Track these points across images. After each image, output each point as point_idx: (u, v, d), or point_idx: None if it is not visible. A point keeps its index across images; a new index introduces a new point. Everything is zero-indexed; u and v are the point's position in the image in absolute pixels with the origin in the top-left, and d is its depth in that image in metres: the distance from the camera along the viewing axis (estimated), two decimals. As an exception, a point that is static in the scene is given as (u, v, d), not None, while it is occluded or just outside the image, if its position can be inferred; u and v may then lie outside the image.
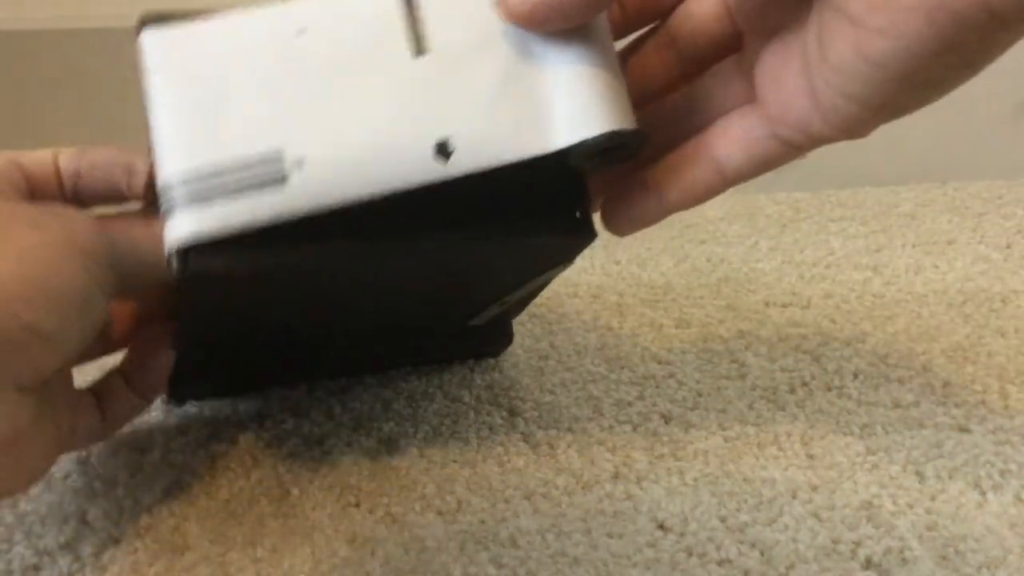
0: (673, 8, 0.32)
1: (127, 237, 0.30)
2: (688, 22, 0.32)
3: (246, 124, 0.27)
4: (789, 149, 0.30)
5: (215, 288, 0.29)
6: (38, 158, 0.32)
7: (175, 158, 0.27)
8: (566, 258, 0.33)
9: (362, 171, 0.27)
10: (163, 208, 0.27)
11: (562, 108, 0.28)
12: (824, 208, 0.60)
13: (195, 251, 0.27)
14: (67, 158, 0.32)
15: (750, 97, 0.31)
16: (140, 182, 0.32)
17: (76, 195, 0.32)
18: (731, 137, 0.30)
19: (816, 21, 0.28)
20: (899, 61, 0.25)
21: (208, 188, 0.27)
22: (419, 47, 0.28)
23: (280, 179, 0.27)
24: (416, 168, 0.27)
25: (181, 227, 0.27)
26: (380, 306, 0.36)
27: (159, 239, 0.29)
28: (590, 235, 0.31)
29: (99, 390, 0.34)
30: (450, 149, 0.28)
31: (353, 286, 0.33)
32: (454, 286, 0.35)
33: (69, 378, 0.33)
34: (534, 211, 0.30)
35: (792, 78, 0.29)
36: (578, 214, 0.31)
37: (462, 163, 0.27)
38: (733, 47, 0.31)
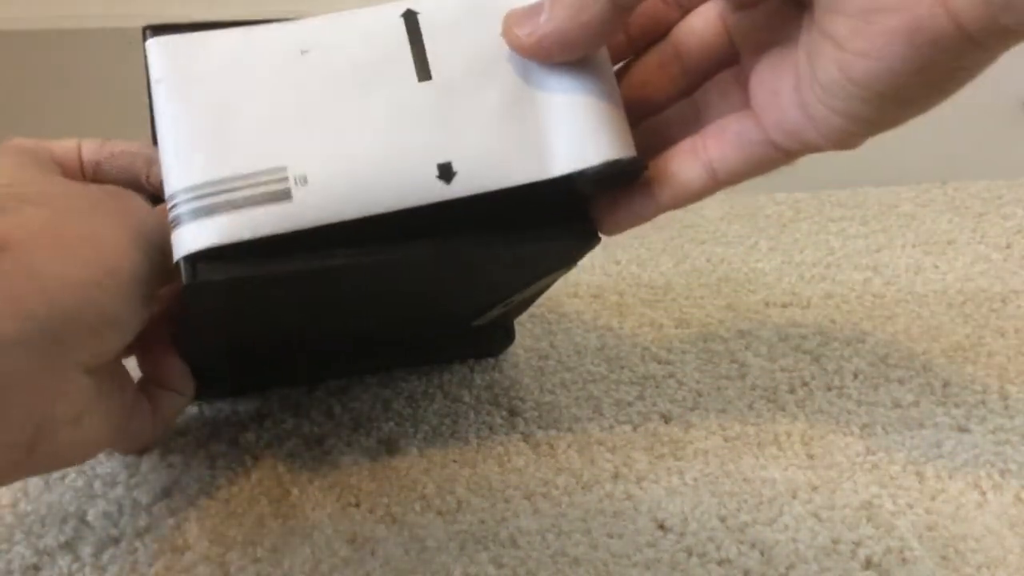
0: (673, 26, 0.33)
1: (166, 229, 0.30)
2: (690, 37, 0.32)
3: (250, 139, 0.28)
4: (782, 154, 0.30)
5: (221, 296, 0.29)
6: (64, 146, 0.33)
7: (181, 170, 0.27)
8: (571, 261, 0.34)
9: (365, 190, 0.28)
10: (171, 218, 0.27)
11: (563, 135, 0.29)
12: (824, 208, 0.60)
13: (204, 260, 0.27)
14: (90, 148, 0.33)
15: (744, 104, 0.31)
16: (160, 172, 0.31)
17: (96, 183, 0.32)
18: (725, 139, 0.31)
19: (806, 42, 0.29)
20: (882, 81, 0.26)
21: (213, 201, 0.27)
22: (423, 73, 0.28)
23: (284, 195, 0.27)
24: (419, 189, 0.28)
25: (189, 237, 0.27)
26: (384, 311, 0.36)
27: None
28: (594, 239, 0.31)
29: (144, 387, 0.34)
30: (453, 172, 0.28)
31: (358, 293, 0.33)
32: (458, 291, 0.35)
33: (121, 362, 0.33)
34: (539, 218, 0.30)
35: (787, 92, 0.29)
36: (582, 220, 0.31)
37: (464, 186, 0.28)
38: (732, 60, 0.32)
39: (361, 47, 0.28)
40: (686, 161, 0.31)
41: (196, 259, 0.27)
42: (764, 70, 0.31)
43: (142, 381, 0.35)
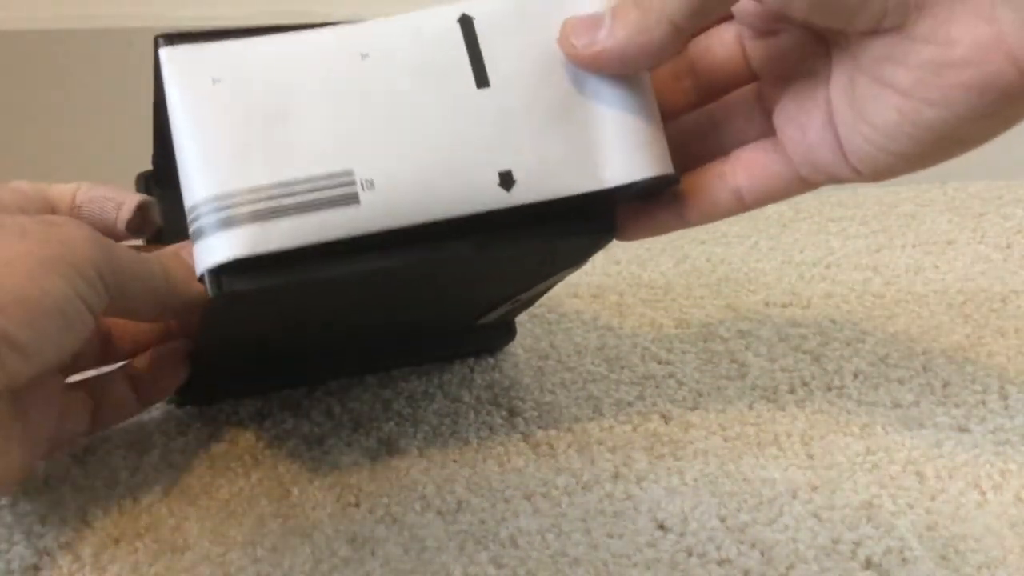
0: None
1: (133, 258, 0.31)
2: (707, 54, 0.33)
3: (312, 145, 0.27)
4: (808, 185, 0.32)
5: (243, 307, 0.29)
6: (60, 189, 0.34)
7: (217, 177, 0.27)
8: (586, 256, 0.34)
9: (429, 195, 0.28)
10: (196, 227, 0.27)
11: (615, 147, 0.30)
12: (824, 208, 0.60)
13: (227, 272, 0.27)
14: (81, 192, 0.34)
15: (767, 129, 0.32)
16: (126, 216, 0.34)
17: None
18: (753, 172, 0.32)
19: (844, 84, 0.30)
20: (948, 126, 0.28)
21: (272, 206, 0.27)
22: (482, 80, 0.29)
23: (352, 199, 0.27)
24: (481, 196, 0.28)
25: (224, 247, 0.27)
26: (396, 311, 0.36)
27: (178, 265, 0.30)
28: (610, 236, 0.32)
29: (96, 388, 0.35)
30: (513, 180, 0.29)
31: (377, 295, 0.33)
32: (472, 288, 0.35)
33: (55, 384, 0.33)
34: (561, 215, 0.30)
35: (816, 131, 0.31)
36: (601, 215, 0.31)
37: (523, 194, 0.29)
38: (749, 79, 0.33)
39: (419, 52, 0.29)
40: (715, 184, 0.32)
41: (222, 271, 0.27)
42: (789, 104, 0.31)
43: (102, 378, 0.35)
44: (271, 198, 0.27)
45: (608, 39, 0.29)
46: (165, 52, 0.28)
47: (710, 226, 0.57)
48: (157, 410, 0.38)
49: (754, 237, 0.56)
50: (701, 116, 0.33)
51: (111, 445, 0.36)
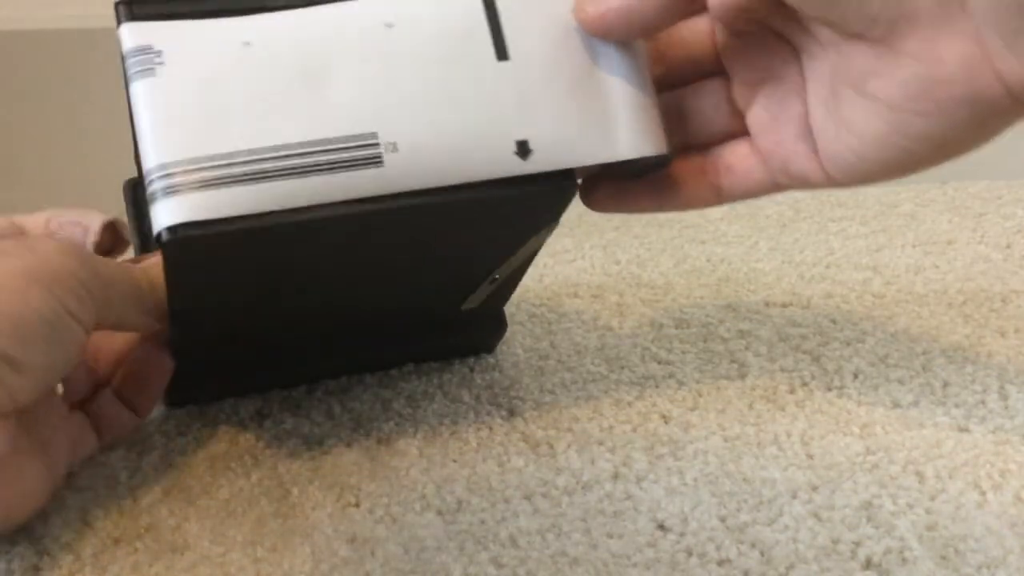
0: None
1: (114, 267, 0.31)
2: (678, 43, 0.34)
3: (338, 107, 0.29)
4: (782, 188, 0.34)
5: (202, 257, 0.30)
6: (33, 220, 0.35)
7: (219, 136, 0.28)
8: (551, 217, 0.34)
9: (448, 160, 0.29)
10: (211, 180, 0.28)
11: (625, 123, 0.31)
12: (824, 208, 0.60)
13: (186, 225, 0.27)
14: (52, 220, 0.35)
15: (735, 122, 0.34)
16: (93, 239, 0.35)
17: None
18: (733, 174, 0.34)
19: (824, 96, 0.31)
20: (938, 135, 0.29)
21: (296, 163, 0.28)
22: (501, 53, 0.30)
23: (376, 160, 0.28)
24: (499, 162, 0.30)
25: (239, 200, 0.27)
26: (371, 289, 0.36)
27: (144, 273, 0.31)
28: (572, 188, 0.32)
29: (91, 409, 0.35)
30: (529, 149, 0.30)
31: (341, 259, 0.33)
32: (440, 254, 0.36)
33: (64, 409, 0.33)
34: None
35: (791, 141, 0.32)
36: (562, 173, 0.32)
37: (539, 162, 0.30)
38: (718, 72, 0.34)
39: (441, 24, 0.30)
40: (696, 179, 0.34)
41: (181, 226, 0.27)
42: (762, 114, 0.33)
43: (93, 398, 0.35)
44: (288, 156, 0.28)
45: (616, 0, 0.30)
46: (158, 27, 0.29)
47: (710, 226, 0.57)
48: (157, 410, 0.38)
49: (754, 237, 0.56)
50: (666, 98, 0.34)
51: (111, 445, 0.36)
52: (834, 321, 0.46)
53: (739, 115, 0.34)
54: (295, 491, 0.34)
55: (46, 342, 0.28)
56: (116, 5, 0.29)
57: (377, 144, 0.29)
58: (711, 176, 0.34)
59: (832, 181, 0.32)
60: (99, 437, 0.35)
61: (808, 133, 0.32)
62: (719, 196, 0.34)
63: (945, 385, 0.41)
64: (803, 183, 0.33)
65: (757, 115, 0.33)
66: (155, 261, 0.32)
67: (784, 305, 0.48)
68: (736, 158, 0.34)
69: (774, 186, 0.33)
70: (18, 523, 0.31)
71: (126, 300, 0.31)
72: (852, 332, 0.45)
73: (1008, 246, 0.55)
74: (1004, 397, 0.40)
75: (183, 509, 0.34)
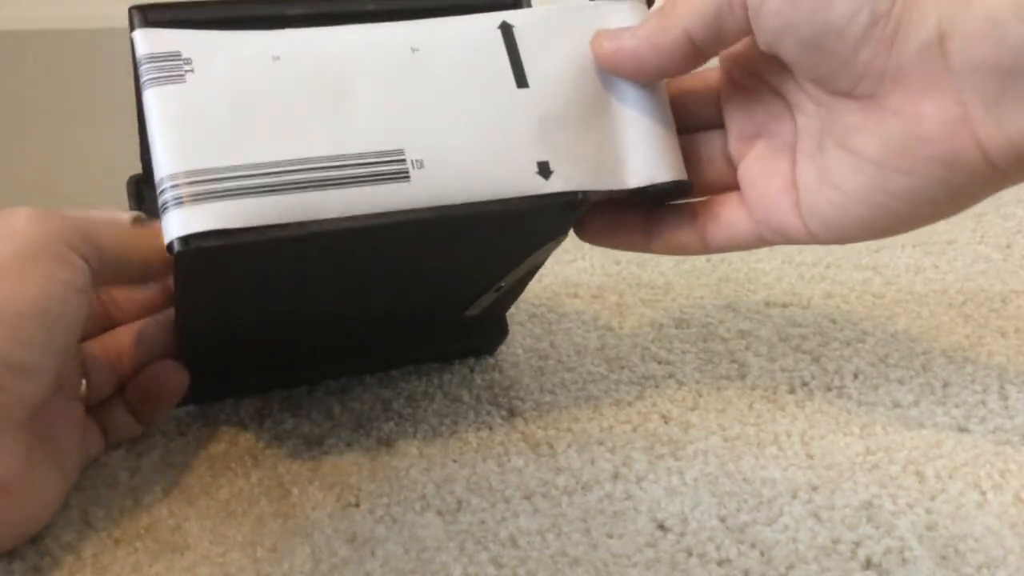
0: None
1: (98, 217, 0.30)
2: (685, 96, 0.35)
3: (365, 123, 0.29)
4: (767, 243, 0.34)
5: (212, 272, 0.30)
6: None
7: (233, 148, 0.28)
8: (561, 231, 0.35)
9: (472, 179, 0.30)
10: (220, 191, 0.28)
11: (640, 151, 0.33)
12: (824, 208, 0.60)
13: (200, 236, 0.27)
14: None
15: (727, 174, 0.35)
16: None
17: None
18: (718, 224, 0.35)
19: (811, 150, 0.32)
20: (917, 194, 0.29)
21: (318, 176, 0.28)
22: (521, 81, 0.31)
23: (402, 175, 0.29)
24: (521, 181, 0.31)
25: (255, 210, 0.27)
26: (380, 298, 0.36)
27: (146, 231, 0.30)
28: (587, 204, 0.33)
29: (100, 414, 0.35)
30: (550, 170, 0.31)
31: (355, 270, 0.33)
32: (450, 266, 0.36)
33: (78, 412, 0.33)
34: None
35: (775, 194, 0.33)
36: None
37: (557, 184, 0.31)
38: (719, 126, 0.35)
39: (464, 52, 0.31)
40: (683, 224, 0.35)
41: (193, 237, 0.27)
42: (752, 167, 0.34)
43: (105, 405, 0.35)
44: (315, 169, 0.28)
45: (629, 40, 0.32)
46: (184, 35, 0.29)
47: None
48: (157, 410, 0.38)
49: (754, 237, 0.56)
50: None
51: (111, 445, 0.36)
52: (834, 321, 0.46)
53: (733, 167, 0.35)
54: (295, 491, 0.34)
55: (47, 331, 0.28)
56: (130, 10, 0.29)
57: (404, 160, 0.29)
58: (700, 224, 0.35)
59: (812, 236, 0.32)
60: (105, 442, 0.35)
61: (793, 187, 0.32)
62: (704, 245, 0.35)
63: (945, 385, 0.41)
64: (784, 237, 0.33)
65: (747, 168, 0.34)
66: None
67: (784, 305, 0.48)
68: (724, 208, 0.35)
69: (759, 239, 0.34)
70: (34, 534, 0.31)
71: (120, 247, 0.30)
72: (852, 332, 0.45)
73: (1008, 246, 0.55)
74: (1004, 397, 0.40)
75: (183, 509, 0.34)
